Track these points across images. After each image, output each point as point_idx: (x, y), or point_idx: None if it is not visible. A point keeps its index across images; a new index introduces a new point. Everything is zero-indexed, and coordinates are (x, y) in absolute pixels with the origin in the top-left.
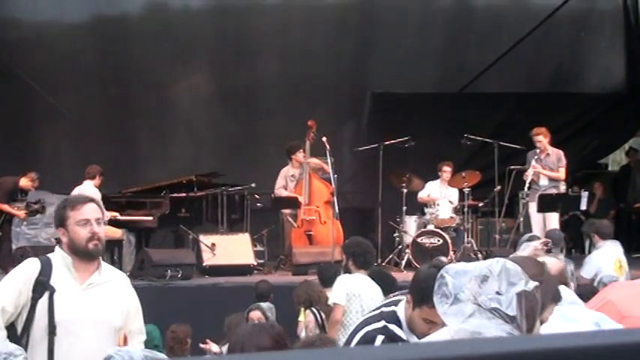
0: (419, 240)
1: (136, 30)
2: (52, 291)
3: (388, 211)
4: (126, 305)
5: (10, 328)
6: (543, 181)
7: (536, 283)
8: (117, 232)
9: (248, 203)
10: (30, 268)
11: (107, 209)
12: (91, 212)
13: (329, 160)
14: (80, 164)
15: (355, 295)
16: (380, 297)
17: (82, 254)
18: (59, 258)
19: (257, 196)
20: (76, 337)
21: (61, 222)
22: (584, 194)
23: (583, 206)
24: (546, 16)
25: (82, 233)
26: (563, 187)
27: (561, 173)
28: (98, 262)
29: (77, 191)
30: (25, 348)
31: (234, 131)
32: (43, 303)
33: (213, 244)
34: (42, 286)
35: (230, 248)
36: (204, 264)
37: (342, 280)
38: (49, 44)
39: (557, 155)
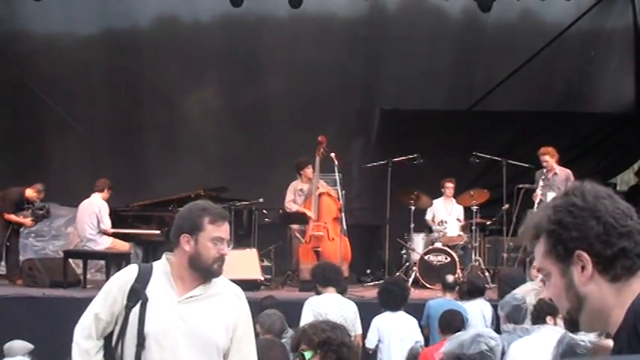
0: (426, 257)
1: (146, 43)
2: (145, 300)
3: (396, 229)
4: (233, 323)
5: (108, 338)
6: None
7: None
8: (124, 246)
9: (256, 218)
10: (126, 274)
11: (115, 223)
12: (227, 232)
13: (337, 177)
14: (89, 177)
15: (322, 315)
16: (352, 315)
17: (202, 271)
18: (161, 266)
19: (265, 212)
20: (169, 352)
21: (191, 229)
22: None
23: None
24: (556, 34)
25: (212, 251)
26: None
27: None
28: None
29: (85, 204)
30: None
31: (243, 146)
32: (135, 312)
33: None
34: (136, 294)
35: (237, 263)
36: None
37: (309, 303)
38: (59, 56)
39: (565, 175)
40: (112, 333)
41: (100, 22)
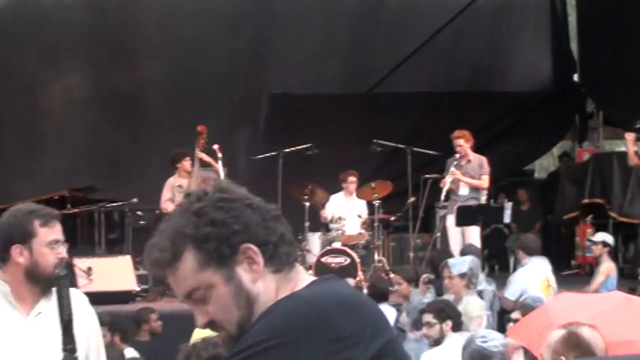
0: (323, 260)
1: (1, 26)
2: None
3: None
4: (87, 329)
5: None
6: (463, 191)
7: None
8: None
9: (129, 221)
10: None
11: None
12: (61, 232)
13: (221, 170)
14: None
15: None
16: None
17: (43, 282)
18: None
19: (139, 213)
20: None
21: (22, 237)
22: (508, 205)
23: (507, 219)
24: (464, 6)
25: (51, 257)
26: (484, 198)
27: (484, 181)
28: None
29: None
30: None
31: (114, 140)
32: None
33: (90, 269)
34: None
35: (109, 273)
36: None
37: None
38: None
39: (479, 162)
40: None
41: None
